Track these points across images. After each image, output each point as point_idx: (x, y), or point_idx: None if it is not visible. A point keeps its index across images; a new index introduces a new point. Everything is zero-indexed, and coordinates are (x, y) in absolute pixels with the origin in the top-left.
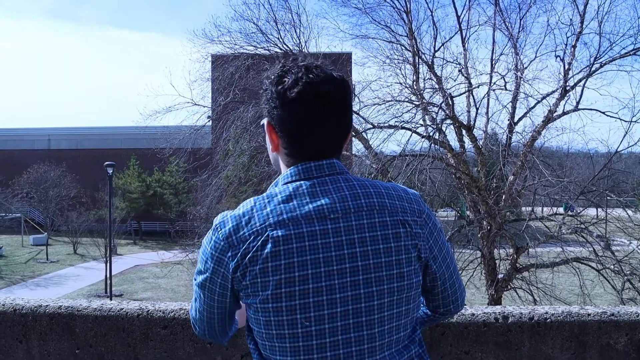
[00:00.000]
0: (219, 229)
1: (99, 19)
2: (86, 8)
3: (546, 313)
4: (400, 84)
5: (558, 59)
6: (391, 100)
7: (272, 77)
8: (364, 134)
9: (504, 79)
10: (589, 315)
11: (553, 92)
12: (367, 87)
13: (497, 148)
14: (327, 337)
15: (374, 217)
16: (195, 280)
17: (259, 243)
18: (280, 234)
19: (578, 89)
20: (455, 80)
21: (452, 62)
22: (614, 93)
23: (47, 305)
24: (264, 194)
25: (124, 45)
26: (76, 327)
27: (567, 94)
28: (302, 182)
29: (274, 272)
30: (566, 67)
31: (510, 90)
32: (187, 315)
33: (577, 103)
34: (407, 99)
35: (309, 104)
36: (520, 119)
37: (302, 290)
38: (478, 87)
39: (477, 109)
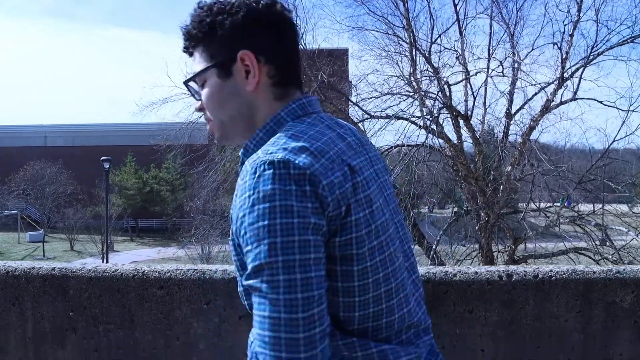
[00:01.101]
0: (291, 159)
1: (99, 18)
2: (86, 8)
3: (551, 271)
4: (397, 76)
5: (555, 46)
6: (388, 93)
7: (259, 1)
8: (360, 125)
9: (502, 65)
10: (594, 272)
11: (551, 83)
12: (363, 79)
13: (495, 137)
14: (402, 270)
15: (371, 151)
16: (278, 257)
17: (347, 171)
18: (355, 162)
19: (575, 80)
20: (452, 67)
21: (450, 49)
22: (611, 84)
23: (40, 267)
24: (295, 128)
25: (124, 44)
26: (70, 288)
27: (565, 83)
28: (314, 114)
29: (368, 204)
30: (563, 55)
31: (508, 76)
32: (183, 275)
33: (575, 92)
34: (404, 90)
35: (291, 25)
36: (518, 110)
37: (385, 219)
38: (476, 74)
39: (474, 97)
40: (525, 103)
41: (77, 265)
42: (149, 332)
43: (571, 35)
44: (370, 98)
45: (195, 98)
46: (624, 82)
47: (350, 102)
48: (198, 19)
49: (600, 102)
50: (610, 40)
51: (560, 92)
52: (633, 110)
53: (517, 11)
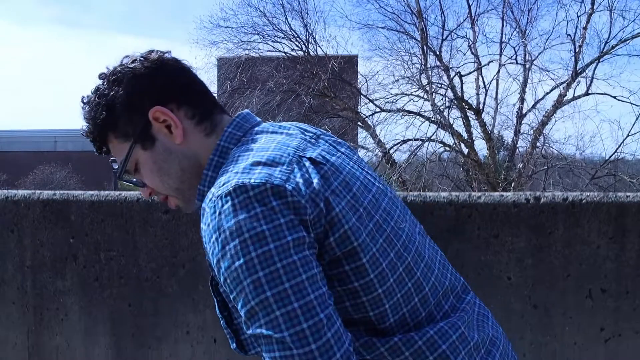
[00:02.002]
0: (245, 181)
1: (105, 26)
2: (92, 16)
3: (581, 194)
4: (407, 77)
5: (569, 38)
6: (398, 94)
7: (135, 59)
8: (368, 120)
9: (515, 51)
10: (627, 197)
11: (565, 81)
12: (374, 77)
13: (505, 144)
14: (414, 239)
15: (330, 139)
16: (266, 293)
17: (309, 165)
18: (315, 154)
19: (589, 77)
20: (465, 55)
21: (462, 37)
22: (625, 81)
23: (40, 193)
24: (240, 150)
25: (130, 51)
26: (71, 214)
27: (578, 78)
28: (254, 128)
29: (347, 189)
30: (577, 49)
31: (520, 64)
32: None
33: (588, 88)
34: (414, 85)
35: (175, 61)
36: (530, 109)
37: (372, 196)
38: (488, 64)
39: (486, 90)
40: (538, 101)
41: (79, 192)
42: (153, 259)
43: (584, 29)
44: (380, 98)
45: (139, 186)
46: (638, 77)
47: (361, 95)
48: (90, 115)
49: (614, 97)
50: (624, 37)
51: (573, 86)
52: None
53: (529, 10)
